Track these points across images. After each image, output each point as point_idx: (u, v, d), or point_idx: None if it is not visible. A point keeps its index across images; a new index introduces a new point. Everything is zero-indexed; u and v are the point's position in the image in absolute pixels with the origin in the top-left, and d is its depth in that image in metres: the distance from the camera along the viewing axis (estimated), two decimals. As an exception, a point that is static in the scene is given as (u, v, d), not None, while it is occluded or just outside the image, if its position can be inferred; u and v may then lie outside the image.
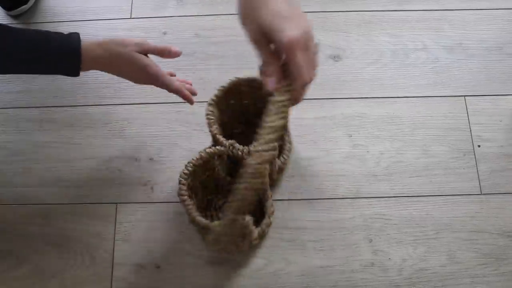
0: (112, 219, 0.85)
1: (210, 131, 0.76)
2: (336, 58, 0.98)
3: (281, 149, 0.80)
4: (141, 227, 0.84)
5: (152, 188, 0.87)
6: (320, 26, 1.01)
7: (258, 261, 0.82)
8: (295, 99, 0.50)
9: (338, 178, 0.88)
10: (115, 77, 0.96)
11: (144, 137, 0.91)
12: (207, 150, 0.76)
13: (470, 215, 0.85)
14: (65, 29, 1.01)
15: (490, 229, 0.84)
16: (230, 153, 0.76)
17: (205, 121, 0.92)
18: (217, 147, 0.76)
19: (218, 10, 1.03)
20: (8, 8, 1.02)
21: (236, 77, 0.79)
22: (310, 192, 0.87)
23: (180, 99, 0.76)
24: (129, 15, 1.03)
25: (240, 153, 0.75)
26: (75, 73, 0.66)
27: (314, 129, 0.91)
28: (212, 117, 0.76)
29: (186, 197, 0.71)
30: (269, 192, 0.77)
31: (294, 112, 0.87)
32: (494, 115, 0.93)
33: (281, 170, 0.84)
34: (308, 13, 1.02)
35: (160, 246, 0.83)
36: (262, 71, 0.51)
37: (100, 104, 0.94)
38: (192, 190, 0.77)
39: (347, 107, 0.93)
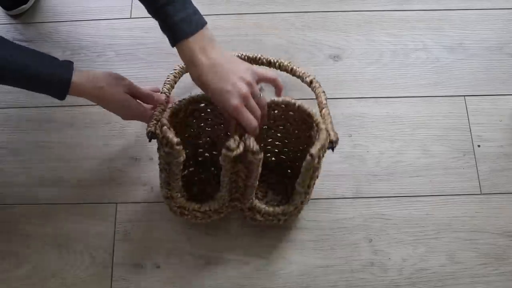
0: (112, 219, 0.85)
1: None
2: (336, 58, 0.98)
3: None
4: (141, 227, 0.84)
5: (152, 188, 0.87)
6: (320, 26, 1.01)
7: (258, 261, 0.82)
8: (252, 134, 0.63)
9: (338, 178, 0.88)
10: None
11: (144, 136, 0.91)
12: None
13: (470, 215, 0.85)
14: (66, 29, 1.02)
15: (490, 229, 0.84)
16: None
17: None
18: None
19: (218, 10, 1.03)
20: (7, 8, 1.01)
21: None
22: (310, 192, 0.87)
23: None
24: (129, 15, 1.03)
25: None
26: (60, 99, 0.67)
27: (314, 129, 0.91)
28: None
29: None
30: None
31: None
32: (494, 115, 0.93)
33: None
34: (308, 13, 1.02)
35: (160, 246, 0.83)
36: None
37: (100, 104, 0.94)
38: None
39: (347, 107, 0.93)
